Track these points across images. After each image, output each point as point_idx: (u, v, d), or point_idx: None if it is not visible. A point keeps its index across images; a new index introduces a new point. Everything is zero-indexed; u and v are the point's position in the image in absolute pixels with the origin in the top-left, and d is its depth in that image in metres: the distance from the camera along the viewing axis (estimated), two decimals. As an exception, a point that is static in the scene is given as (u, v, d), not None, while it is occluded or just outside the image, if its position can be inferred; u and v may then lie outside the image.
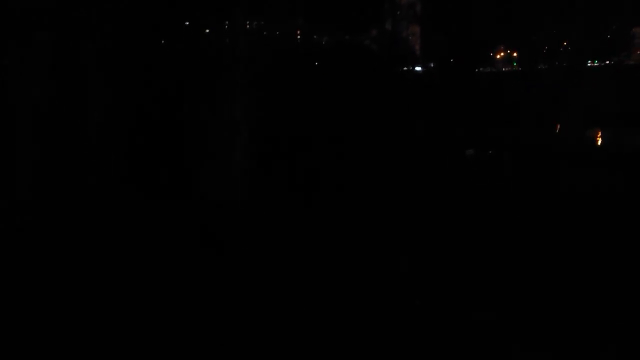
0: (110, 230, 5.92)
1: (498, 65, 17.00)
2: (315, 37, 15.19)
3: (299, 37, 14.50)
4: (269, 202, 6.77)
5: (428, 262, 5.29)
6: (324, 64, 14.16)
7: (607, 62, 13.19)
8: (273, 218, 6.17)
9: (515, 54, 15.71)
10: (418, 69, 18.00)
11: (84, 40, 7.50)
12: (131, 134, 7.68)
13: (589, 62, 13.44)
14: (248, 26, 13.34)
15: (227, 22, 11.25)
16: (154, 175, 7.62)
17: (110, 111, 7.48)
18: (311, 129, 10.68)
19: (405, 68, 17.04)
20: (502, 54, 17.34)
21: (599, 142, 12.91)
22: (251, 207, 6.69)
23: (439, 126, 14.65)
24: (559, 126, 13.52)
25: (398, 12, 16.14)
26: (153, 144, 8.03)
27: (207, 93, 8.78)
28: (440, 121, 14.66)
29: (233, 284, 4.59)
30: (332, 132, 10.71)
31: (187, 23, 11.21)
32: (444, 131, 14.46)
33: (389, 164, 9.96)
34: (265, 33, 13.27)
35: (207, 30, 11.91)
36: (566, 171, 9.91)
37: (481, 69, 15.76)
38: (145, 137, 8.02)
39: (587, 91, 12.34)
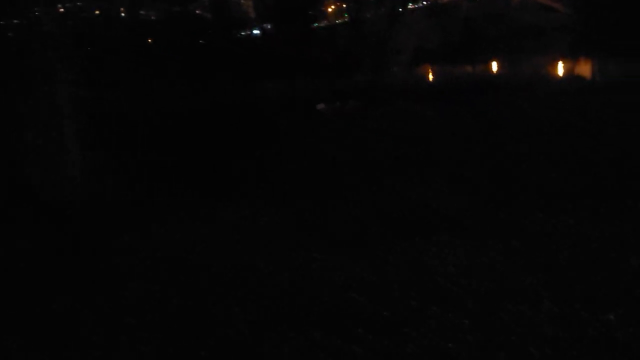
0: None
1: (331, 19, 17.44)
2: (142, 12, 14.50)
3: (123, 14, 13.75)
4: (112, 200, 6.30)
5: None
6: (154, 38, 13.59)
7: (424, 2, 14.05)
8: (117, 223, 5.64)
9: (344, 5, 16.20)
10: (256, 32, 17.92)
11: None
12: None
13: (410, 4, 14.23)
14: (62, 10, 12.42)
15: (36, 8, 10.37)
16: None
17: None
18: (148, 108, 10.28)
19: (243, 33, 16.90)
20: (333, 7, 17.78)
21: (429, 78, 13.87)
22: (90, 208, 6.13)
23: (284, 85, 14.82)
24: (393, 67, 14.28)
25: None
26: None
27: (23, 84, 8.10)
28: (284, 79, 14.82)
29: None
30: (169, 109, 10.34)
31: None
32: (290, 88, 14.66)
33: (238, 131, 9.87)
34: (83, 14, 12.43)
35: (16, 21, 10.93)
36: (400, 107, 10.51)
37: (316, 24, 16.08)
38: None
39: (411, 31, 13.11)
